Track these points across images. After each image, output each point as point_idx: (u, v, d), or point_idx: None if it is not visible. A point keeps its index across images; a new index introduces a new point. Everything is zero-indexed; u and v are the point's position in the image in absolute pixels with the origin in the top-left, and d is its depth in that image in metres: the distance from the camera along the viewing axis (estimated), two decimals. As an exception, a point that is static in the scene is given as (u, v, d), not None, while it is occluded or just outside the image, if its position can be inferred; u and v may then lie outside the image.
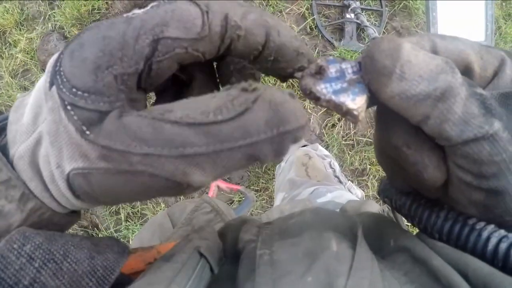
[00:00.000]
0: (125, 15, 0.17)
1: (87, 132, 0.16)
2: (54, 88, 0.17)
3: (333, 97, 0.18)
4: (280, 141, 0.16)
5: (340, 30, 1.48)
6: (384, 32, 1.49)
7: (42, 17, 1.56)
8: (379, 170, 1.40)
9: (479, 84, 0.19)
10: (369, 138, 1.43)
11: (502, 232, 0.18)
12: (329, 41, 1.45)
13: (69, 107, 0.16)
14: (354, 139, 1.43)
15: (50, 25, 1.54)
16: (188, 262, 0.21)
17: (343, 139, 1.42)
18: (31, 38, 1.54)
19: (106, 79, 0.16)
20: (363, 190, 1.40)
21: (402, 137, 0.19)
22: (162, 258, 0.22)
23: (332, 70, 0.19)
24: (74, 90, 0.16)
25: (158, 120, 0.16)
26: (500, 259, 0.18)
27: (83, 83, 0.16)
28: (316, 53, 1.44)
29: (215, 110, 0.15)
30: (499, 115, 0.16)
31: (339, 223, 0.28)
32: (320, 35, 1.46)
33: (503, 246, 0.18)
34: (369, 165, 1.41)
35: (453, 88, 0.16)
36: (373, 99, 0.19)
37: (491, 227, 0.19)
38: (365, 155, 1.41)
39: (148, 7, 0.17)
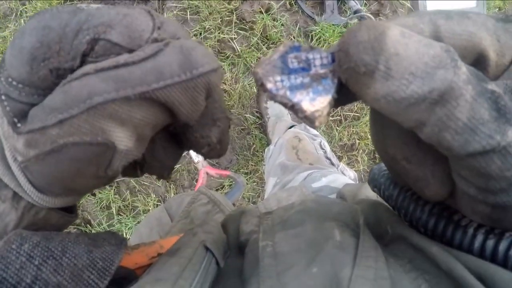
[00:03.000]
0: (78, 5, 0.16)
1: (18, 125, 0.16)
2: None
3: (287, 94, 0.15)
4: (194, 86, 0.15)
5: (320, 4, 1.44)
6: (365, 4, 1.45)
7: (14, 14, 1.51)
8: (368, 144, 1.39)
9: (494, 75, 0.15)
10: (356, 113, 1.41)
11: (489, 227, 0.17)
12: (310, 17, 1.42)
13: (3, 97, 0.16)
14: (341, 115, 1.41)
15: (22, 21, 1.50)
16: (194, 256, 0.21)
17: (330, 115, 1.41)
18: (5, 37, 1.50)
19: (42, 72, 0.15)
20: (353, 165, 1.39)
21: (401, 148, 0.16)
22: (167, 253, 0.22)
23: (294, 60, 0.15)
24: (9, 80, 0.16)
25: (67, 83, 0.15)
26: (488, 257, 0.16)
27: (19, 73, 0.15)
28: (297, 29, 1.40)
29: (126, 58, 0.14)
30: None
31: (340, 211, 0.27)
32: (301, 11, 1.43)
33: (490, 243, 0.16)
34: (358, 139, 1.40)
35: (454, 88, 0.13)
36: (344, 99, 0.15)
37: (477, 222, 0.17)
38: (353, 130, 1.40)
39: (104, 5, 0.16)
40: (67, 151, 0.15)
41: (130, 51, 0.15)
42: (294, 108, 0.15)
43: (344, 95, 0.15)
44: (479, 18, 0.15)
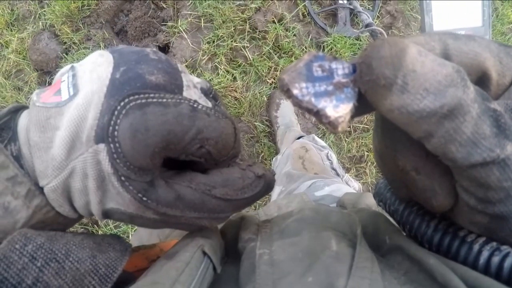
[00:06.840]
0: (193, 100, 0.20)
1: (144, 199, 0.20)
2: (103, 147, 0.18)
3: (313, 100, 0.15)
4: None
5: (333, 16, 1.45)
6: (378, 17, 1.46)
7: (33, 16, 1.54)
8: (377, 156, 1.39)
9: (495, 93, 0.17)
10: (366, 125, 1.41)
11: (494, 244, 0.17)
12: (322, 28, 1.43)
13: (123, 178, 0.19)
14: (351, 126, 1.41)
15: (40, 24, 1.53)
16: (192, 261, 0.21)
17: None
18: (23, 38, 1.53)
19: (157, 161, 0.19)
20: (361, 177, 1.39)
21: (411, 160, 0.17)
22: (164, 256, 0.22)
23: (318, 69, 0.16)
24: (128, 164, 0.18)
25: (206, 195, 0.21)
26: (493, 273, 0.17)
27: (140, 164, 0.19)
28: (309, 40, 1.41)
29: (241, 189, 0.23)
30: None
31: (338, 221, 0.28)
32: (313, 22, 1.44)
33: (496, 259, 0.17)
34: (367, 151, 1.39)
35: (463, 105, 0.14)
36: (362, 109, 0.16)
37: (482, 239, 0.17)
38: (362, 142, 1.40)
39: (214, 113, 0.21)
40: (179, 225, 0.22)
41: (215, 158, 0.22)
42: (319, 114, 0.16)
43: (361, 104, 0.16)
44: (483, 41, 0.16)
